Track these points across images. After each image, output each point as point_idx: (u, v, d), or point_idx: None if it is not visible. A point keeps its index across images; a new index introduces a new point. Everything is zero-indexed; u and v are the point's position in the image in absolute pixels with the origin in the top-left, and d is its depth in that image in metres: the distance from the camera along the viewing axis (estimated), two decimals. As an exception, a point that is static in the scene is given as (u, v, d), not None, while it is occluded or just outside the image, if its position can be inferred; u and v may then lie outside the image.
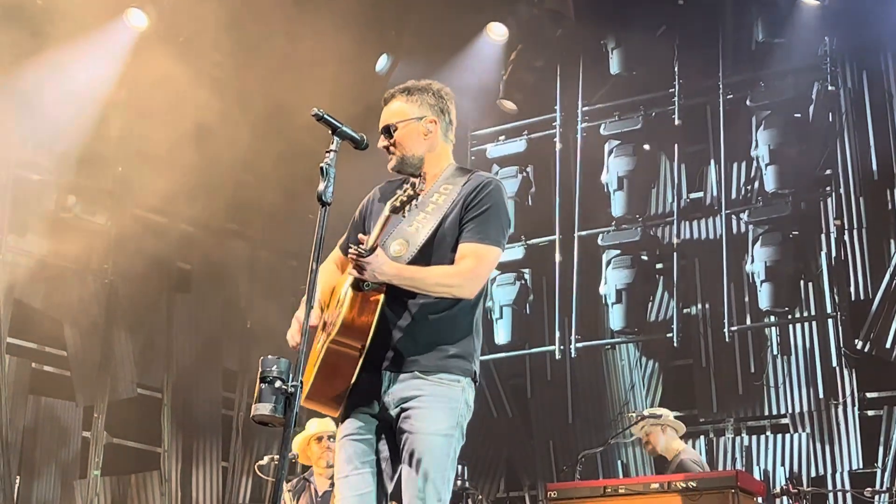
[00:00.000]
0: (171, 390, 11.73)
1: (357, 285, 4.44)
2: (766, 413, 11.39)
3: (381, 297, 4.46)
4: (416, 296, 4.49)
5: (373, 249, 4.35)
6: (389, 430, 4.55)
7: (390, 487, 4.60)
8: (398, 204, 4.35)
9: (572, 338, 12.28)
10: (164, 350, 11.78)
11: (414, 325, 4.52)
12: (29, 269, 10.94)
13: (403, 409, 4.49)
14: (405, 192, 4.34)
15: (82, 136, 11.14)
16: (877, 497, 10.26)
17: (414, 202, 4.54)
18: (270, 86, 12.83)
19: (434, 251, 4.51)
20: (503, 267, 12.52)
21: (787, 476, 10.89)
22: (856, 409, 10.92)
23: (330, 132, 4.42)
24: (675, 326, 11.72)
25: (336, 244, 4.92)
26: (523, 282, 12.51)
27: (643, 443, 9.60)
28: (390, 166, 4.73)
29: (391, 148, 4.71)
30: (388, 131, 4.71)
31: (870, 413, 10.94)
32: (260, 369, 4.15)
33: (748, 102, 11.62)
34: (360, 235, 4.39)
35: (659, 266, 12.02)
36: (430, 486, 4.43)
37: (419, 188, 4.34)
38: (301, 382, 4.06)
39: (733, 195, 11.86)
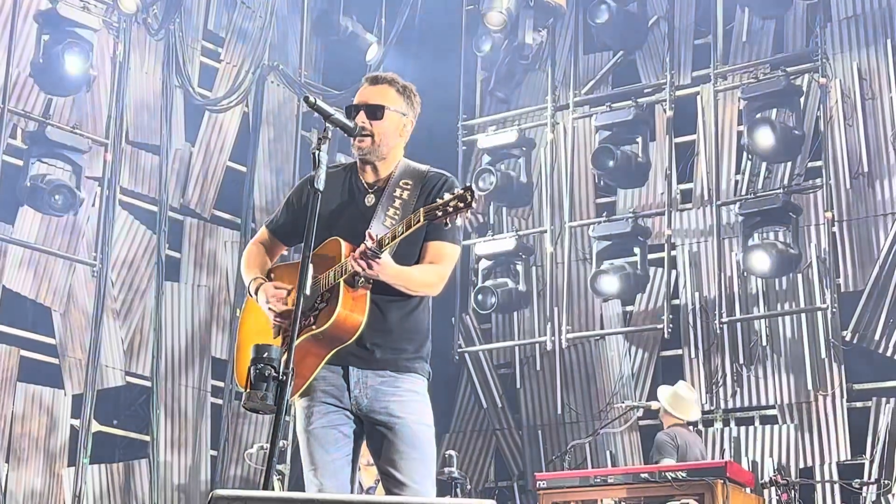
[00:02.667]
0: (160, 378, 11.71)
1: (350, 281, 4.44)
2: (755, 404, 11.41)
3: (368, 293, 4.48)
4: (387, 293, 4.51)
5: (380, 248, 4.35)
6: (357, 422, 4.58)
7: (356, 474, 4.64)
8: (439, 214, 4.25)
9: (562, 328, 12.29)
10: (152, 338, 11.75)
11: (385, 324, 4.55)
12: (17, 256, 10.91)
13: (382, 404, 4.52)
14: (452, 206, 4.24)
15: (71, 123, 11.11)
16: (864, 488, 10.30)
17: (372, 195, 4.63)
18: (261, 72, 12.85)
19: (406, 246, 4.51)
20: (495, 257, 12.51)
21: (776, 467, 10.91)
22: (844, 400, 10.95)
23: (323, 119, 4.40)
24: (665, 317, 11.73)
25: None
26: (514, 272, 12.50)
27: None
28: (361, 148, 4.64)
29: (371, 129, 4.63)
30: (374, 112, 4.64)
31: (858, 405, 10.97)
32: (251, 356, 4.13)
33: (739, 93, 11.63)
34: (370, 232, 4.36)
35: (650, 257, 12.02)
36: (428, 471, 4.50)
37: (471, 203, 4.24)
38: (293, 370, 4.05)
39: (724, 186, 11.88)
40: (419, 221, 4.29)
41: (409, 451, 4.48)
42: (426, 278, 4.56)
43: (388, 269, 4.39)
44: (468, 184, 4.45)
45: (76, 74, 10.75)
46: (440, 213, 4.24)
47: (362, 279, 4.41)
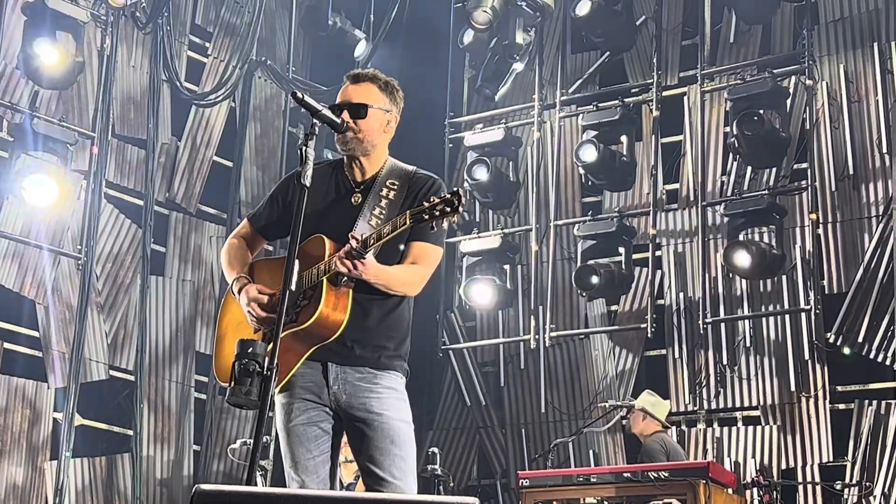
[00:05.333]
0: (144, 373, 11.69)
1: (334, 279, 4.45)
2: (738, 405, 11.44)
3: (351, 292, 4.50)
4: (369, 292, 4.54)
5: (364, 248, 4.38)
6: (336, 418, 4.61)
7: (336, 470, 4.66)
8: (426, 217, 4.29)
9: (547, 327, 12.29)
10: (137, 332, 11.73)
11: (366, 322, 4.57)
12: (2, 248, 10.88)
13: (361, 400, 4.54)
14: (439, 210, 4.26)
15: (58, 116, 11.08)
16: (846, 490, 10.34)
17: (358, 194, 4.65)
18: (248, 67, 12.84)
19: (390, 245, 4.53)
20: (480, 255, 12.50)
21: (758, 468, 10.94)
22: (827, 402, 10.97)
23: (310, 115, 4.41)
24: (649, 317, 11.74)
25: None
26: (500, 270, 12.50)
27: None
28: (346, 146, 4.68)
29: (355, 127, 4.66)
30: (357, 111, 4.66)
31: (840, 406, 11.00)
32: (236, 351, 4.13)
33: (726, 94, 11.64)
34: (354, 234, 4.38)
35: (634, 257, 12.04)
36: (409, 467, 4.52)
37: (458, 208, 4.27)
38: (277, 366, 4.05)
39: (709, 187, 11.90)
40: (405, 224, 4.30)
41: (389, 447, 4.50)
42: (407, 278, 4.60)
43: (370, 268, 4.41)
44: (455, 187, 4.42)
45: (63, 67, 10.71)
46: (426, 217, 4.26)
47: (345, 278, 4.43)
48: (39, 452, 10.92)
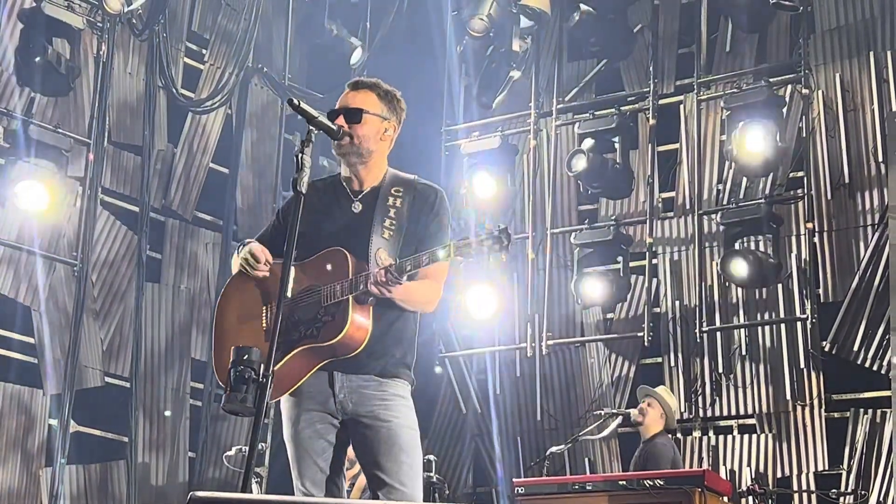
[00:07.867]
0: (140, 379, 11.68)
1: (360, 298, 4.47)
2: (734, 413, 11.43)
3: (372, 309, 4.55)
4: (380, 303, 4.55)
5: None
6: (342, 428, 4.62)
7: (341, 480, 4.66)
8: (472, 253, 4.33)
9: (543, 335, 12.28)
10: (132, 339, 11.72)
11: (373, 330, 4.57)
12: (-3, 255, 10.89)
13: (368, 408, 4.56)
14: (486, 247, 4.30)
15: (54, 123, 11.07)
16: (842, 499, 10.34)
17: (358, 203, 4.67)
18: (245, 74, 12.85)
19: (402, 257, 4.55)
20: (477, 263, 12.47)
21: (753, 476, 10.94)
22: (822, 410, 10.98)
23: (306, 122, 4.41)
24: (645, 325, 11.73)
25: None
26: (496, 278, 12.49)
27: (638, 409, 9.61)
28: (341, 150, 4.69)
29: (350, 132, 4.66)
30: (353, 115, 4.67)
31: (836, 415, 11.00)
32: (231, 358, 4.13)
33: (722, 103, 11.65)
34: (388, 260, 4.44)
35: (631, 265, 12.04)
36: (416, 474, 4.56)
37: (507, 247, 4.31)
38: (273, 373, 4.05)
39: (706, 195, 11.89)
40: (449, 257, 4.34)
41: (397, 454, 4.51)
42: (427, 297, 4.67)
43: (400, 290, 4.47)
44: (502, 224, 4.44)
45: (59, 74, 10.71)
46: (473, 252, 4.30)
47: (372, 297, 4.45)
48: (34, 459, 10.91)
